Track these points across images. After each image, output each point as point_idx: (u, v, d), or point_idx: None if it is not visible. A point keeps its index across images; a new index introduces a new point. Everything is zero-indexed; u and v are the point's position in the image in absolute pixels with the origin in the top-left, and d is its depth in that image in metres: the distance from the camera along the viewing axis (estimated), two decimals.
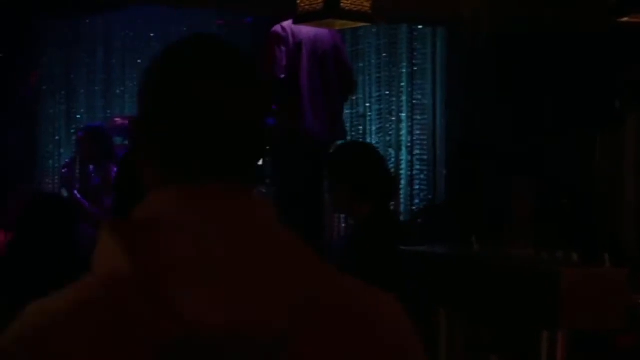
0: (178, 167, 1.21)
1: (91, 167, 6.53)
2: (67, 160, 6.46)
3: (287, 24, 5.86)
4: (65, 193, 6.33)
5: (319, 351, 1.11)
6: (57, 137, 8.94)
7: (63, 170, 6.74)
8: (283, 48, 5.82)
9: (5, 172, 7.41)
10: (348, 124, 7.88)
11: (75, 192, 6.25)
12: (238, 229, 1.14)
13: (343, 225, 7.88)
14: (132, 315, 1.05)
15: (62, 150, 8.76)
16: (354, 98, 7.97)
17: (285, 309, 1.10)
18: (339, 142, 5.83)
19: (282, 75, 5.79)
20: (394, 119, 7.98)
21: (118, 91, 9.10)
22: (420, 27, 7.79)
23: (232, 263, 1.10)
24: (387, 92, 8.05)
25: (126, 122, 7.25)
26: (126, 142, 7.27)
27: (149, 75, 1.26)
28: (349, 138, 7.10)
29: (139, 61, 9.04)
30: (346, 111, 7.79)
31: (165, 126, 1.21)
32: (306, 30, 5.89)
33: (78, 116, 8.89)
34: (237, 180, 1.20)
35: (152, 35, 9.12)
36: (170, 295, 1.06)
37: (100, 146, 6.37)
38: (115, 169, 6.19)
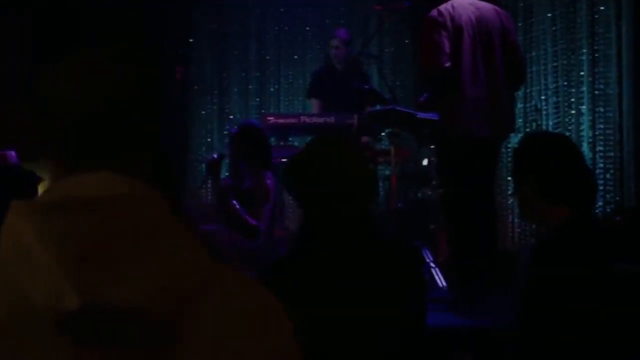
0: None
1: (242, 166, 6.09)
2: (214, 156, 6.00)
3: (445, 7, 5.20)
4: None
5: (202, 338, 1.18)
6: (209, 139, 8.66)
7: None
8: (444, 33, 5.15)
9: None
10: (521, 119, 7.22)
11: (234, 202, 5.80)
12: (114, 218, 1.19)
13: (518, 230, 7.20)
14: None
15: (215, 152, 8.34)
16: (527, 91, 7.26)
17: (162, 293, 1.15)
18: (529, 134, 5.11)
19: (447, 64, 5.12)
20: (573, 112, 7.20)
21: (272, 89, 8.71)
22: (602, 8, 6.98)
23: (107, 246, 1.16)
24: (565, 83, 7.27)
25: (280, 120, 6.72)
26: (282, 143, 6.81)
27: None
28: (519, 135, 6.45)
29: (295, 57, 8.65)
30: (519, 105, 7.14)
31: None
32: (467, 12, 5.22)
33: (231, 116, 8.56)
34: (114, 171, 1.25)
35: (307, 29, 8.72)
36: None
37: (253, 144, 5.86)
38: (268, 174, 5.74)
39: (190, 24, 8.50)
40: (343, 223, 2.46)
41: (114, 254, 1.16)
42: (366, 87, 6.67)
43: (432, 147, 6.38)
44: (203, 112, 8.67)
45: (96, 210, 1.19)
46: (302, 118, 6.78)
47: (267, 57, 8.69)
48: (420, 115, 5.54)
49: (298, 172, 2.56)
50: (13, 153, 5.10)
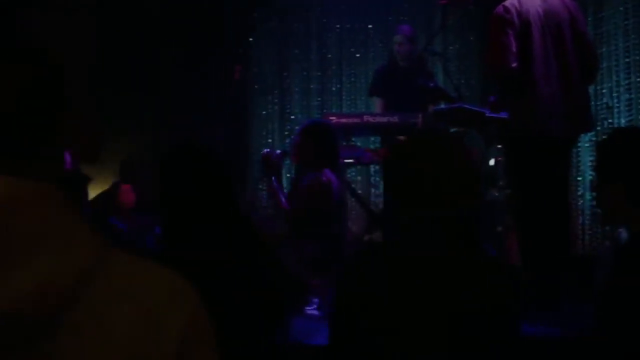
0: None
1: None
2: (276, 152, 5.86)
3: (511, 2, 4.95)
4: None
5: (90, 332, 1.18)
6: (269, 140, 8.53)
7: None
8: (510, 32, 4.92)
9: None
10: None
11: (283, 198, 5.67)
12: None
13: (589, 233, 6.95)
14: None
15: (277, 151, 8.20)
16: (597, 88, 7.00)
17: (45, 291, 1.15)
18: (619, 129, 4.87)
19: (514, 64, 4.90)
20: None
21: (334, 88, 8.55)
22: None
23: None
24: (639, 79, 7.00)
25: (342, 120, 6.57)
26: (345, 143, 6.64)
27: None
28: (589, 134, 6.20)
29: (357, 55, 8.49)
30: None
31: None
32: (534, 6, 4.98)
33: (292, 117, 8.42)
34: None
35: (370, 26, 8.55)
36: None
37: (318, 144, 5.68)
38: (327, 171, 5.56)
39: (250, 23, 8.39)
40: (441, 227, 2.25)
41: None
42: (431, 84, 6.49)
43: (499, 146, 6.16)
44: (264, 113, 8.55)
45: None
46: (365, 117, 6.61)
47: (329, 56, 8.54)
48: (490, 113, 5.34)
49: (398, 171, 2.33)
50: (66, 155, 5.01)
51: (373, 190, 8.12)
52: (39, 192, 1.23)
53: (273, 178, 5.69)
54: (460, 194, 2.27)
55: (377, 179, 8.11)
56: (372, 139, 7.86)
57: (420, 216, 2.25)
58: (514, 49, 4.89)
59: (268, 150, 6.03)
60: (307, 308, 5.40)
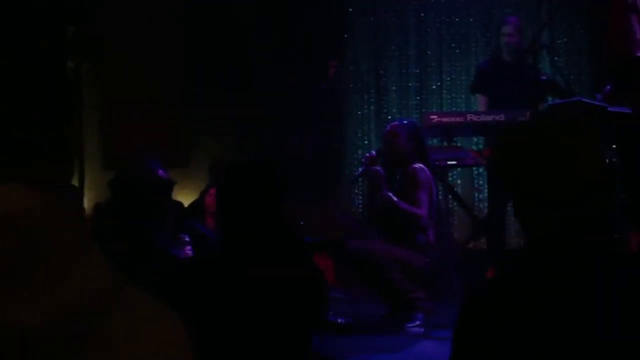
0: None
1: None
2: (372, 152, 5.53)
3: None
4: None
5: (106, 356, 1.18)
6: (366, 142, 8.21)
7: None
8: (633, 16, 4.48)
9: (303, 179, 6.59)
10: None
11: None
12: None
13: None
14: None
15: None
16: None
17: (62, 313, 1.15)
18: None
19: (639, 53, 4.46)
20: None
21: (434, 86, 8.17)
22: None
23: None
24: None
25: (444, 119, 6.22)
26: (445, 144, 6.26)
27: None
28: None
29: (457, 51, 8.12)
30: None
31: None
32: None
33: (389, 117, 8.05)
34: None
35: (471, 20, 8.16)
36: None
37: (408, 144, 5.34)
38: (423, 173, 5.17)
39: (345, 18, 8.13)
40: (583, 229, 1.84)
41: (7, 273, 1.13)
42: (543, 77, 6.04)
43: (614, 146, 5.68)
44: (359, 113, 8.25)
45: None
46: (469, 116, 6.26)
47: (428, 52, 8.19)
48: (613, 108, 4.87)
49: (515, 163, 1.93)
50: (154, 159, 4.79)
51: (476, 194, 7.68)
52: (57, 207, 1.20)
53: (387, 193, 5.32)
54: (595, 190, 1.89)
55: (481, 182, 7.68)
56: (475, 139, 7.45)
57: (563, 217, 1.86)
58: (638, 36, 4.44)
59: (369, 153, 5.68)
60: (409, 325, 5.01)
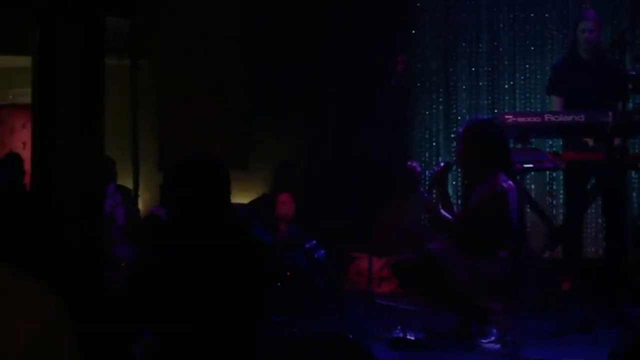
0: None
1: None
2: (440, 164, 5.19)
3: None
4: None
5: None
6: (434, 143, 7.90)
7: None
8: None
9: (367, 184, 6.30)
10: None
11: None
12: None
13: None
14: None
15: (440, 159, 7.58)
16: None
17: None
18: None
19: None
20: None
21: (506, 86, 7.80)
22: None
23: None
24: None
25: (520, 119, 5.88)
26: (518, 146, 5.96)
27: None
28: None
29: (532, 48, 7.74)
30: None
31: None
32: None
33: (459, 117, 7.73)
34: None
35: (546, 15, 7.74)
36: None
37: (485, 145, 4.90)
38: (505, 178, 4.78)
39: (412, 13, 7.83)
40: None
41: None
42: (632, 72, 5.65)
43: None
44: (427, 113, 7.93)
45: None
46: (547, 116, 5.92)
47: (500, 49, 7.81)
48: None
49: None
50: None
51: (549, 200, 7.35)
52: None
53: (421, 189, 5.00)
54: None
55: (556, 186, 7.26)
56: (550, 142, 7.11)
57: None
58: None
59: (412, 163, 5.31)
60: (484, 341, 4.64)
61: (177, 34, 7.85)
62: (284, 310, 5.17)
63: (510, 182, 4.85)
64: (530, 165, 5.82)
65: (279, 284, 5.48)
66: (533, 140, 6.21)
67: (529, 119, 5.93)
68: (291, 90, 7.65)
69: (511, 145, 6.00)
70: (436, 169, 5.21)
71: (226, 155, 7.03)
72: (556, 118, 5.89)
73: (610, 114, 5.72)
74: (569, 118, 5.86)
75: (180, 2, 7.90)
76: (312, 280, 5.79)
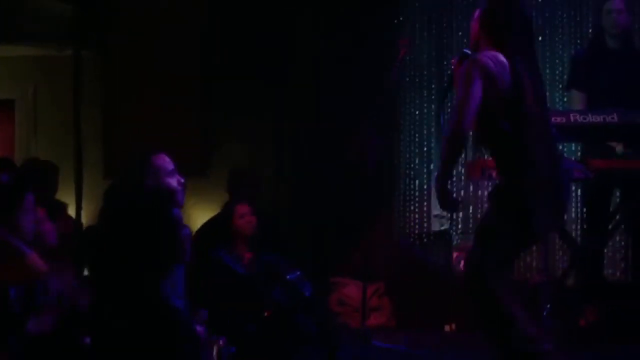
0: None
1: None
2: None
3: None
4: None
5: None
6: (425, 148, 7.03)
7: None
8: None
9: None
10: None
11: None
12: None
13: None
14: None
15: (432, 167, 6.83)
16: None
17: None
18: None
19: None
20: None
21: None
22: None
23: None
24: None
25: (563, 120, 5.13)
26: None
27: None
28: None
29: (538, 38, 6.72)
30: None
31: None
32: None
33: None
34: None
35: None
36: None
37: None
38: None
39: None
40: None
41: None
42: None
43: None
44: (417, 113, 7.05)
45: None
46: (573, 116, 5.11)
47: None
48: None
49: None
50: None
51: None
52: None
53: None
54: None
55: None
56: (572, 147, 6.38)
57: None
58: None
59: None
60: None
61: (129, 21, 7.14)
62: (262, 358, 4.56)
63: None
64: None
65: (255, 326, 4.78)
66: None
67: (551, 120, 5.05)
68: (259, 86, 6.89)
69: None
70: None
71: (184, 160, 6.46)
72: (584, 118, 5.10)
73: None
74: (599, 118, 5.08)
75: None
76: (296, 320, 4.83)
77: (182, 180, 3.92)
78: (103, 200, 3.38)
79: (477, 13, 3.86)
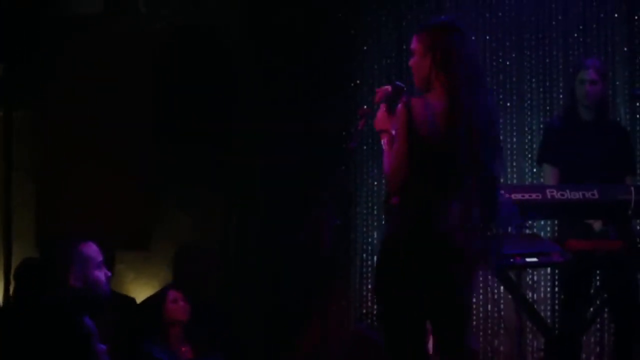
0: None
1: None
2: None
3: None
4: None
5: None
6: (383, 222, 6.54)
7: None
8: None
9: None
10: None
11: None
12: None
13: None
14: None
15: None
16: None
17: None
18: None
19: None
20: None
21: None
22: None
23: None
24: None
25: (517, 196, 4.79)
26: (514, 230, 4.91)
27: None
28: None
29: (507, 104, 6.48)
30: None
31: None
32: None
33: None
34: None
35: (525, 64, 6.53)
36: None
37: None
38: None
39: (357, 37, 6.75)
40: None
41: None
42: None
43: None
44: (375, 184, 6.63)
45: None
46: (550, 192, 4.82)
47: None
48: None
49: None
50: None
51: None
52: None
53: None
54: None
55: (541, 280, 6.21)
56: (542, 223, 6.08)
57: None
58: None
59: None
60: None
61: (69, 79, 6.78)
62: None
63: None
64: (535, 260, 4.71)
65: None
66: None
67: (526, 196, 4.86)
68: (208, 147, 6.54)
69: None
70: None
71: (122, 232, 6.26)
72: (562, 195, 4.82)
73: (632, 189, 4.79)
74: (578, 195, 4.81)
75: (72, 42, 6.81)
76: None
77: (109, 275, 3.81)
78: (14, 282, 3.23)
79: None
